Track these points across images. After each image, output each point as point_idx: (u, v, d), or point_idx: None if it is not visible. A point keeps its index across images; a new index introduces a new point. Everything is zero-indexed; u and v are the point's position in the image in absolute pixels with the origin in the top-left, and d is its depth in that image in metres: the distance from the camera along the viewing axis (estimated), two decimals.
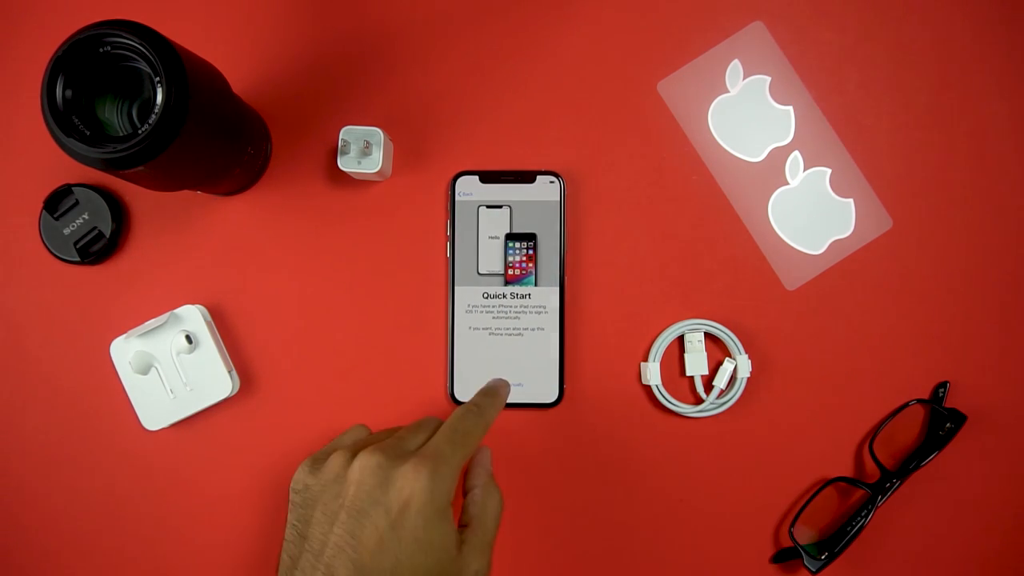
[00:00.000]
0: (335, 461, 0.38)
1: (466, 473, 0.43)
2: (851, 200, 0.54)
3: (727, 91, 0.54)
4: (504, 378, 0.48)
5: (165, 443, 0.54)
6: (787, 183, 0.54)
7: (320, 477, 0.38)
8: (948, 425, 0.52)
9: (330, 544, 0.35)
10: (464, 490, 0.42)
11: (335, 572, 0.34)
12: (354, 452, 0.38)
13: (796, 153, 0.54)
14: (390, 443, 0.38)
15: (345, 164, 0.50)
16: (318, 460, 0.40)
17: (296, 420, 0.54)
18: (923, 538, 0.54)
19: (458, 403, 0.53)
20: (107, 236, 0.52)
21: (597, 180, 0.54)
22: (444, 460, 0.37)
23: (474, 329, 0.53)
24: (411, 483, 0.35)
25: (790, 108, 0.54)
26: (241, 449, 0.54)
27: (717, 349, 0.54)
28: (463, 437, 0.39)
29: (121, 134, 0.41)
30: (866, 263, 0.54)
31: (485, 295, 0.53)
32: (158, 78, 0.38)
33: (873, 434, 0.53)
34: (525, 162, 0.54)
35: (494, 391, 0.44)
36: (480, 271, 0.53)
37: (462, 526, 0.40)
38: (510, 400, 0.53)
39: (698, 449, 0.54)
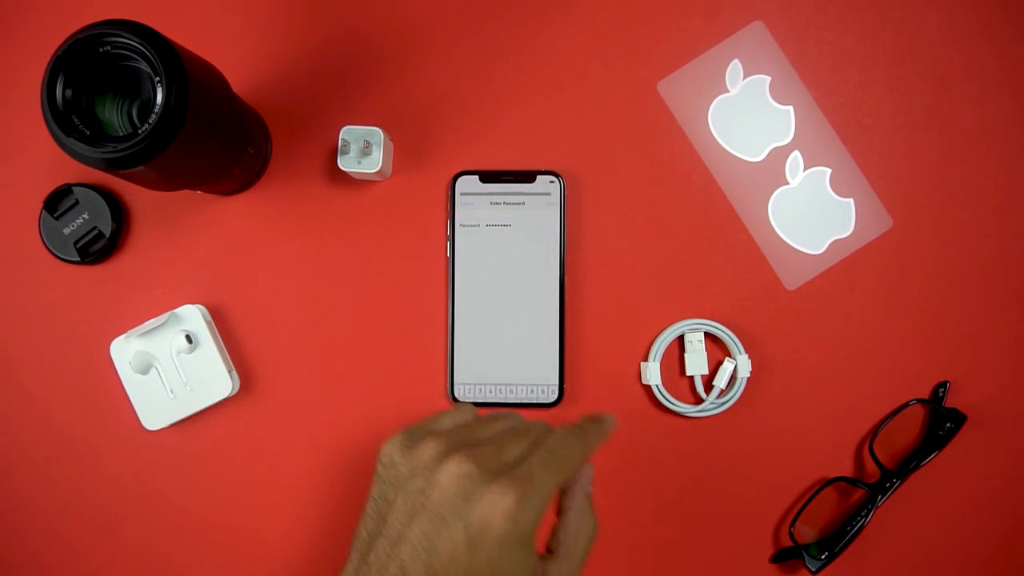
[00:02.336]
0: (428, 450, 0.36)
1: (562, 492, 0.40)
2: (851, 200, 0.54)
3: (727, 91, 0.54)
4: (612, 416, 0.44)
5: (165, 443, 0.54)
6: (787, 183, 0.54)
7: (409, 460, 0.36)
8: (948, 425, 0.52)
9: (407, 540, 0.34)
10: (558, 510, 0.40)
11: (408, 570, 0.33)
12: (449, 445, 0.36)
13: (796, 153, 0.54)
14: (488, 452, 0.36)
15: (345, 164, 0.50)
16: (413, 437, 0.37)
17: (296, 420, 0.54)
18: (923, 538, 0.54)
19: (457, 403, 0.53)
20: (107, 236, 0.52)
21: (597, 180, 0.54)
22: (535, 486, 0.34)
23: (474, 329, 0.53)
24: (497, 505, 0.33)
25: (790, 108, 0.54)
26: (241, 449, 0.54)
27: (717, 349, 0.54)
28: (560, 462, 0.36)
29: (121, 134, 0.41)
30: (866, 263, 0.54)
31: (485, 295, 0.53)
32: (158, 78, 0.38)
33: (873, 434, 0.53)
34: (525, 162, 0.54)
35: (601, 418, 0.42)
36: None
37: (548, 550, 0.38)
38: (510, 400, 0.53)
39: (698, 449, 0.54)
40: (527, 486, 0.34)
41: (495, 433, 0.38)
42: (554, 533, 0.38)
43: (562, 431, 0.38)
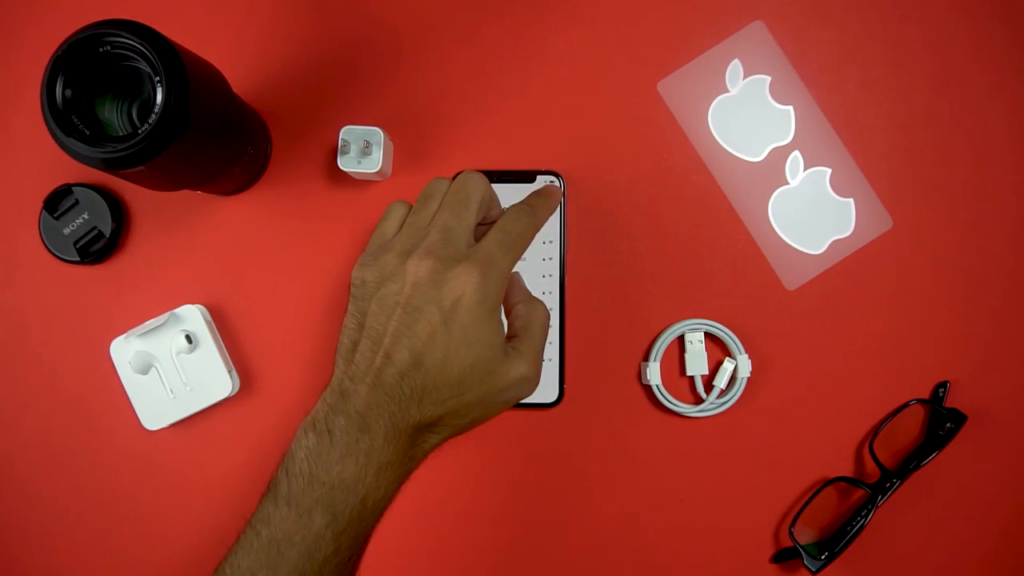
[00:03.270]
0: (390, 258, 0.39)
1: (506, 294, 0.43)
2: (851, 200, 0.54)
3: (727, 91, 0.54)
4: (559, 188, 0.49)
5: (165, 443, 0.54)
6: (787, 183, 0.54)
7: (376, 273, 0.39)
8: (948, 425, 0.52)
9: (388, 333, 0.38)
10: (506, 310, 0.43)
11: (393, 355, 0.37)
12: (407, 248, 0.39)
13: (796, 153, 0.54)
14: (440, 241, 0.39)
15: (345, 164, 0.50)
16: (371, 255, 0.41)
17: (296, 420, 0.53)
18: (923, 538, 0.54)
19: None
20: (107, 236, 0.52)
21: (597, 180, 0.54)
22: (494, 263, 0.39)
23: None
24: (462, 283, 0.37)
25: (790, 108, 0.54)
26: (241, 449, 0.54)
27: (717, 349, 0.54)
28: (514, 240, 0.40)
29: (121, 134, 0.41)
30: (866, 263, 0.54)
31: None
32: (158, 78, 0.38)
33: (873, 434, 0.53)
34: (525, 162, 0.54)
35: (547, 192, 0.45)
36: None
37: (510, 337, 0.42)
38: None
39: (698, 449, 0.54)
40: (487, 264, 0.38)
41: (435, 216, 0.41)
42: (511, 323, 0.43)
43: (511, 209, 0.42)
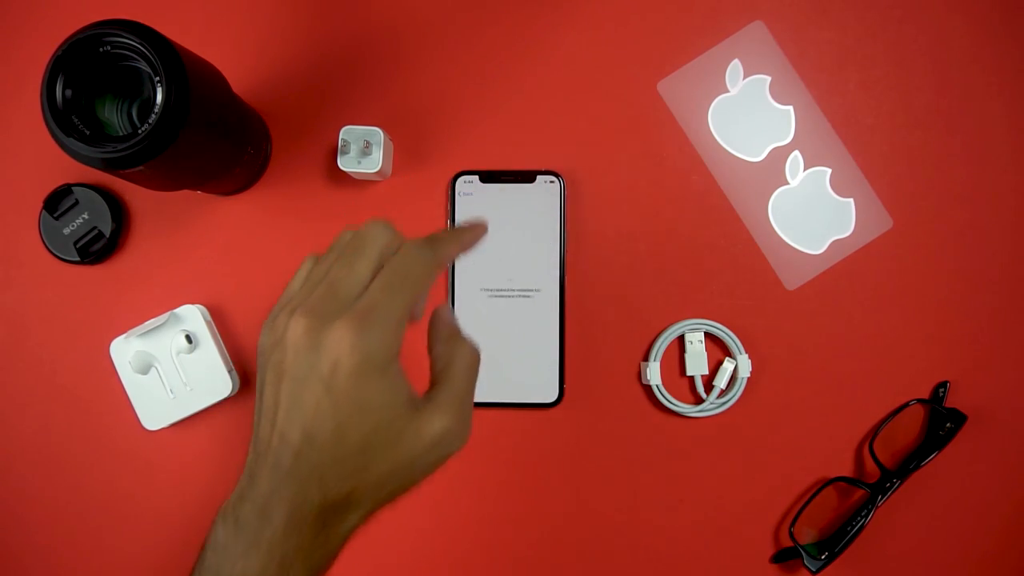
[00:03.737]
0: (280, 322, 0.36)
1: (428, 333, 0.39)
2: (851, 200, 0.54)
3: (727, 91, 0.54)
4: (486, 222, 0.42)
5: (165, 443, 0.54)
6: (787, 183, 0.54)
7: (271, 338, 0.36)
8: (948, 425, 0.52)
9: (280, 409, 0.34)
10: (428, 349, 0.39)
11: (286, 432, 0.33)
12: (295, 308, 0.35)
13: (796, 153, 0.54)
14: (322, 296, 0.35)
15: (345, 164, 0.50)
16: (272, 316, 0.37)
17: None
18: (923, 538, 0.54)
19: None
20: (107, 236, 0.52)
21: (597, 180, 0.54)
22: (376, 311, 0.34)
23: (474, 329, 0.53)
24: (339, 345, 0.33)
25: (790, 108, 0.54)
26: (241, 449, 0.54)
27: (717, 349, 0.54)
28: (404, 281, 0.35)
29: (121, 134, 0.41)
30: (866, 263, 0.54)
31: (485, 295, 0.53)
32: (158, 78, 0.38)
33: (873, 434, 0.53)
34: (525, 162, 0.54)
35: (461, 228, 0.40)
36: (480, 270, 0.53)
37: (432, 384, 0.37)
38: (510, 400, 0.53)
39: (698, 449, 0.54)
40: (366, 316, 0.33)
41: (330, 270, 0.37)
42: (431, 370, 0.38)
43: (408, 246, 0.37)
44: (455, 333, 0.39)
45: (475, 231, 0.40)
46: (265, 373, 0.35)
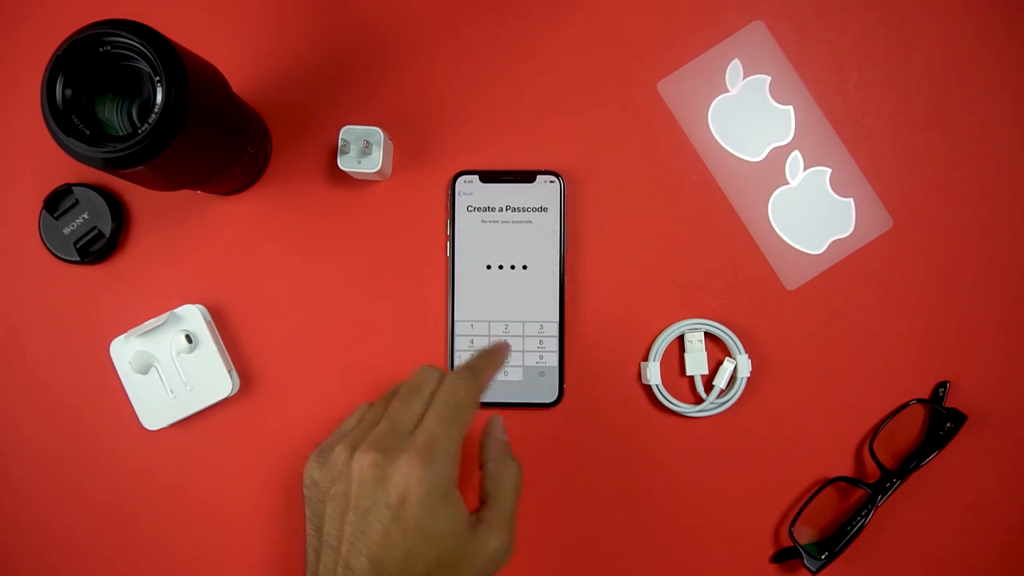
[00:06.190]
0: (338, 457, 0.38)
1: (480, 448, 0.42)
2: (851, 200, 0.54)
3: (727, 91, 0.54)
4: (506, 341, 0.47)
5: (165, 443, 0.54)
6: (787, 183, 0.54)
7: (326, 473, 0.38)
8: (948, 425, 0.52)
9: (344, 540, 0.36)
10: (479, 464, 0.42)
11: (352, 563, 0.35)
12: (354, 444, 0.38)
13: (796, 153, 0.54)
14: (384, 433, 0.38)
15: (345, 164, 0.50)
16: (324, 452, 0.40)
17: (296, 420, 0.54)
18: (923, 538, 0.54)
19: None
20: (107, 236, 0.52)
21: (597, 180, 0.54)
22: (437, 444, 0.37)
23: (474, 329, 0.53)
24: (405, 477, 0.35)
25: (790, 108, 0.54)
26: (241, 449, 0.54)
27: (717, 349, 0.54)
28: (455, 412, 0.38)
29: (121, 134, 0.41)
30: (866, 263, 0.54)
31: (485, 294, 0.53)
32: (158, 78, 0.38)
33: (873, 434, 0.53)
34: (525, 162, 0.54)
35: (491, 352, 0.44)
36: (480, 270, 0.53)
37: (481, 501, 0.40)
38: (510, 400, 0.53)
39: (698, 449, 0.54)
40: (429, 449, 0.36)
41: (389, 412, 0.40)
42: (480, 487, 0.40)
43: (451, 378, 0.40)
44: (505, 451, 0.42)
45: (503, 350, 0.44)
46: (322, 506, 0.38)
